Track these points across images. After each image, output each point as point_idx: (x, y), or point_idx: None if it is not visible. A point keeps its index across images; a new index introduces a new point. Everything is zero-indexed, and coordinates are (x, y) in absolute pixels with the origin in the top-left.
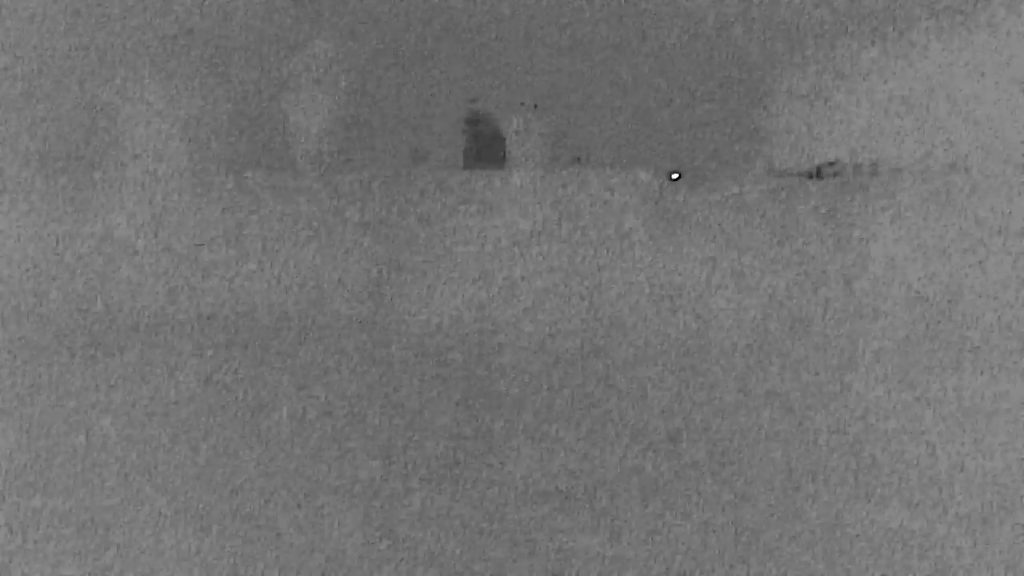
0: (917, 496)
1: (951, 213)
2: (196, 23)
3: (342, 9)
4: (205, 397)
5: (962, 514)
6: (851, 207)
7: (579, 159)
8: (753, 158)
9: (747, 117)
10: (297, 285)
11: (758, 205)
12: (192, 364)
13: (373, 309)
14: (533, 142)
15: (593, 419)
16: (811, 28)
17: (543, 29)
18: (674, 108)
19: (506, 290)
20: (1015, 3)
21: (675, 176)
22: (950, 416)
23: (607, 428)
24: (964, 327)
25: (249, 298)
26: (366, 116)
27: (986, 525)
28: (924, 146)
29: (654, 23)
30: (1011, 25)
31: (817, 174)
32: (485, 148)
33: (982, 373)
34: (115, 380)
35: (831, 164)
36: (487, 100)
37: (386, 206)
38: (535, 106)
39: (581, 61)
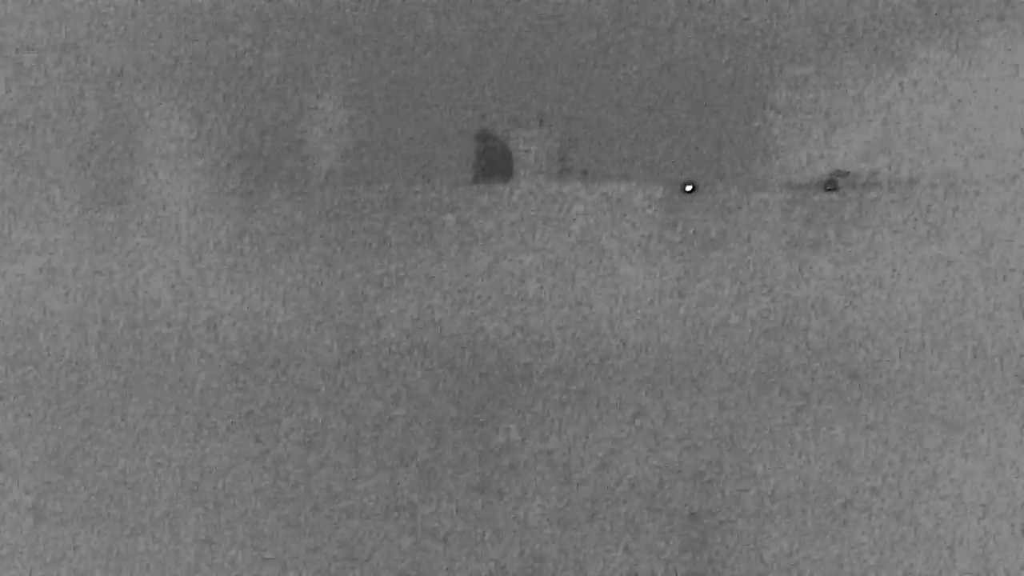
0: (925, 504)
1: (962, 226)
2: (214, 48)
3: (355, 31)
4: (221, 408)
5: (967, 528)
6: (862, 219)
7: (586, 172)
8: (762, 170)
9: (754, 129)
10: (310, 299)
11: (769, 218)
12: (212, 375)
13: (383, 321)
14: (540, 156)
15: (602, 428)
16: (815, 39)
17: (549, 46)
18: (681, 121)
19: (515, 303)
20: (1015, 16)
21: (689, 188)
22: (955, 426)
23: (615, 437)
24: (972, 339)
25: (263, 313)
26: (378, 133)
27: (990, 526)
28: (932, 157)
29: (660, 36)
30: (1013, 37)
31: (831, 186)
32: (493, 163)
33: (987, 383)
34: (132, 390)
35: (843, 175)
36: (495, 116)
37: (397, 220)
38: (541, 121)
39: (587, 76)
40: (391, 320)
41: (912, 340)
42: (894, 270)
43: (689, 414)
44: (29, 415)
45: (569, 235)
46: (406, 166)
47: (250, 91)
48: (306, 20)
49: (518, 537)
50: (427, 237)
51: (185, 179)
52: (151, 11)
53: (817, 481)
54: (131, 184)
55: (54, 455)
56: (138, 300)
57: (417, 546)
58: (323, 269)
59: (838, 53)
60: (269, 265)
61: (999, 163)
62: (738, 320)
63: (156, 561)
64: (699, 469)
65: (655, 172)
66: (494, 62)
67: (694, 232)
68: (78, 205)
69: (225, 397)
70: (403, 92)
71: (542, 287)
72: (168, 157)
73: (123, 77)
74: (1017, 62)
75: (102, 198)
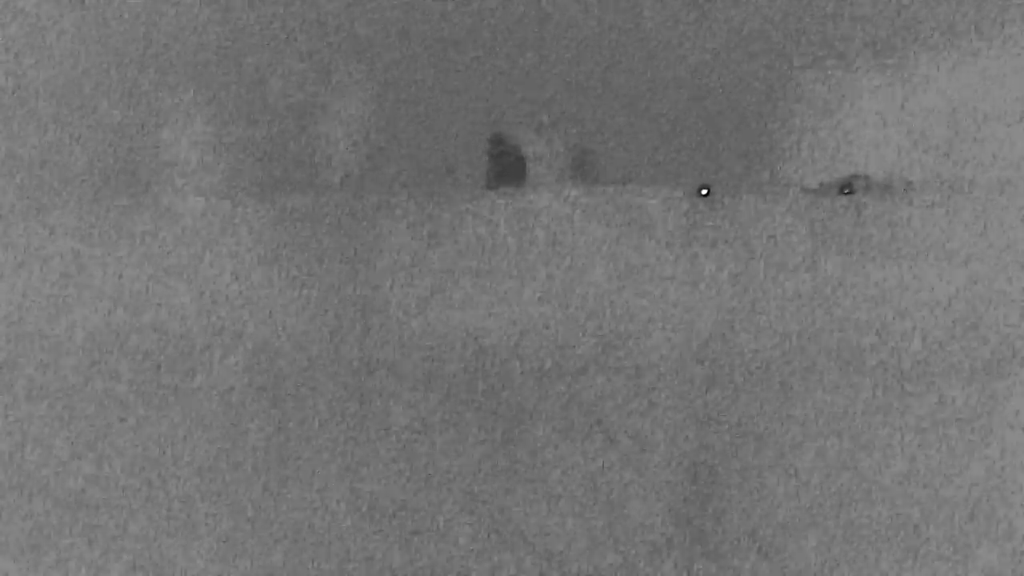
0: (946, 509)
1: (981, 228)
2: (232, 50)
3: (370, 37)
4: (236, 411)
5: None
6: (879, 222)
7: (599, 177)
8: (778, 173)
9: (770, 132)
10: (325, 303)
11: (787, 221)
12: (229, 378)
13: (399, 326)
14: (554, 161)
15: (611, 440)
16: (830, 42)
17: (563, 50)
18: (696, 125)
19: (527, 308)
20: None
21: (704, 192)
22: (978, 430)
23: (627, 450)
24: (994, 345)
25: (280, 317)
26: (392, 138)
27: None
28: (950, 159)
29: (675, 40)
30: None
31: (847, 189)
32: (507, 167)
33: (1006, 385)
34: (148, 393)
35: (864, 177)
36: (508, 120)
37: (412, 225)
38: (555, 125)
39: (601, 80)
40: (407, 325)
41: (930, 340)
42: (912, 272)
43: (708, 414)
44: (49, 416)
45: (585, 240)
46: (419, 171)
47: (266, 96)
48: (322, 26)
49: (535, 542)
50: (441, 242)
51: (201, 183)
52: (169, 14)
53: (834, 477)
54: (146, 188)
55: (77, 456)
56: (153, 303)
57: (428, 550)
58: (338, 273)
59: (853, 55)
60: (285, 269)
61: (1017, 165)
62: (757, 322)
63: (170, 560)
64: (717, 461)
65: (671, 176)
66: (507, 66)
67: (711, 237)
68: (93, 208)
69: (241, 400)
70: (417, 97)
71: (558, 291)
72: (184, 162)
73: (140, 80)
74: None
75: (117, 202)
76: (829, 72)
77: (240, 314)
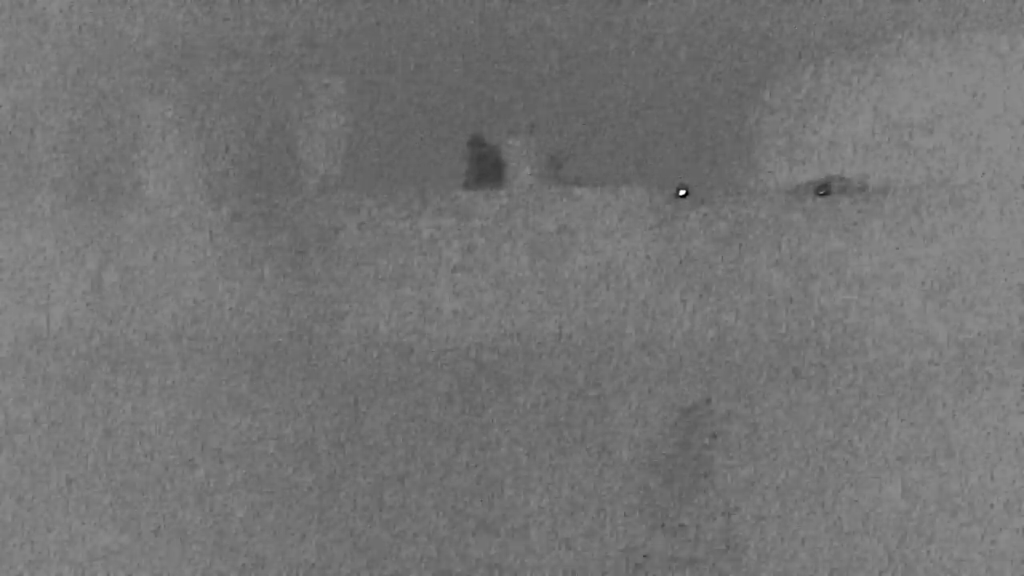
0: (929, 505)
1: (952, 226)
2: (212, 55)
3: (351, 41)
4: (214, 404)
5: (970, 521)
6: (854, 221)
7: (578, 178)
8: (755, 173)
9: (747, 133)
10: (303, 301)
11: (762, 220)
12: (201, 383)
13: (377, 323)
14: (532, 162)
15: (589, 435)
16: (807, 45)
17: (541, 53)
18: (673, 127)
19: (504, 306)
20: (1012, 24)
21: (682, 193)
22: (958, 421)
23: (603, 445)
24: (973, 338)
25: (258, 315)
26: (372, 140)
27: (989, 532)
28: (923, 159)
29: (652, 43)
30: (1002, 40)
31: (823, 190)
32: (485, 169)
33: (974, 373)
34: (124, 394)
35: (840, 178)
36: (487, 123)
37: (391, 225)
38: (532, 127)
39: (579, 83)
40: (385, 323)
41: (901, 334)
42: (889, 270)
43: (685, 409)
44: (28, 410)
45: (563, 240)
46: (399, 172)
47: (247, 98)
48: (303, 31)
49: (505, 543)
50: (420, 242)
51: (183, 184)
52: (152, 21)
53: (815, 475)
54: (125, 190)
55: (54, 448)
56: (130, 302)
57: (407, 548)
58: (317, 272)
59: (829, 59)
60: (263, 268)
61: (989, 165)
62: (733, 319)
63: (156, 531)
64: (694, 456)
65: (648, 178)
66: (486, 70)
67: (689, 237)
68: (74, 210)
69: (215, 399)
70: (397, 99)
71: (535, 290)
72: (165, 163)
73: (121, 86)
74: (1007, 65)
75: (96, 204)
76: (805, 75)
77: (217, 314)
